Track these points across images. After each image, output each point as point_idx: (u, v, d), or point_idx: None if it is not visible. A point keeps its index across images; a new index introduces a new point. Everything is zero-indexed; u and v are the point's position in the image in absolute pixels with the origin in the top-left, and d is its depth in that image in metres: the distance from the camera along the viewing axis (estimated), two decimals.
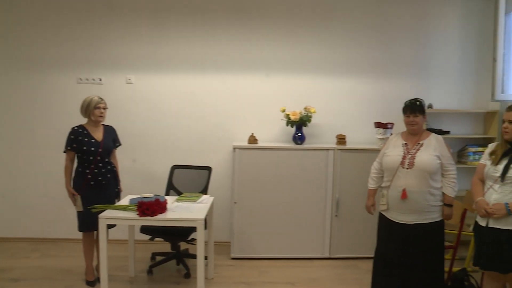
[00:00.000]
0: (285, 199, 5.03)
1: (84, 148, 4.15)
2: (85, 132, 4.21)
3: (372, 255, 4.03)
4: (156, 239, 4.70)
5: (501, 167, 3.22)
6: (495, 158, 3.30)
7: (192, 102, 5.44)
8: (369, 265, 4.13)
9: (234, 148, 4.98)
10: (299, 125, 5.17)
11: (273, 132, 5.45)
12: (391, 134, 4.75)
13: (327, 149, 5.02)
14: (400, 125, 4.10)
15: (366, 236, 4.91)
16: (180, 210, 3.95)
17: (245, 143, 5.12)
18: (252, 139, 5.11)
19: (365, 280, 4.30)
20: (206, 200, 4.32)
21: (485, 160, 3.43)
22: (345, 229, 5.08)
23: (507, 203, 3.13)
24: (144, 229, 4.50)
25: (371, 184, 4.01)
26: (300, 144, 5.17)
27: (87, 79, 5.40)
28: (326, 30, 5.43)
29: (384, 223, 3.85)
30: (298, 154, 5.03)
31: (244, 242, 5.06)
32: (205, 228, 4.37)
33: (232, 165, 5.08)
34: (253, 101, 5.45)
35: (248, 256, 5.07)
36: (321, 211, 5.06)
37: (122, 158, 4.70)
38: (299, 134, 5.18)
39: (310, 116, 5.14)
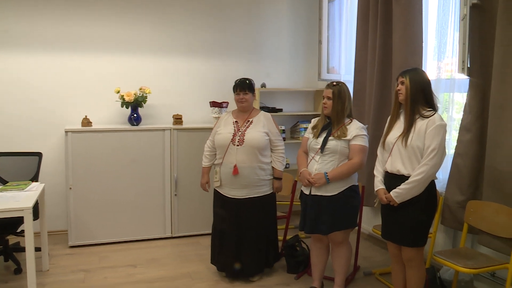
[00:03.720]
0: (123, 182, 4.93)
1: None
2: None
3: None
4: None
5: (321, 139, 3.51)
6: (316, 132, 3.58)
7: (16, 84, 4.98)
8: (209, 240, 4.24)
9: (66, 131, 4.72)
10: (134, 106, 5.07)
11: (108, 114, 5.27)
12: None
13: (164, 129, 5.00)
14: (235, 104, 4.22)
15: (206, 213, 4.98)
16: (3, 201, 3.65)
17: (78, 126, 4.89)
18: (86, 122, 4.89)
19: (206, 255, 4.41)
20: (35, 188, 4.05)
21: (308, 134, 3.70)
22: (185, 207, 5.14)
23: (326, 173, 3.42)
24: None
25: (205, 162, 4.12)
26: (136, 125, 5.09)
27: None
28: (162, 10, 5.36)
29: (219, 199, 4.00)
30: (134, 135, 4.94)
31: (83, 229, 4.85)
32: (37, 217, 4.14)
33: (65, 149, 4.83)
34: (86, 83, 5.18)
35: (87, 243, 4.88)
36: (160, 191, 5.05)
37: None
38: (135, 115, 5.09)
39: (146, 97, 5.08)
